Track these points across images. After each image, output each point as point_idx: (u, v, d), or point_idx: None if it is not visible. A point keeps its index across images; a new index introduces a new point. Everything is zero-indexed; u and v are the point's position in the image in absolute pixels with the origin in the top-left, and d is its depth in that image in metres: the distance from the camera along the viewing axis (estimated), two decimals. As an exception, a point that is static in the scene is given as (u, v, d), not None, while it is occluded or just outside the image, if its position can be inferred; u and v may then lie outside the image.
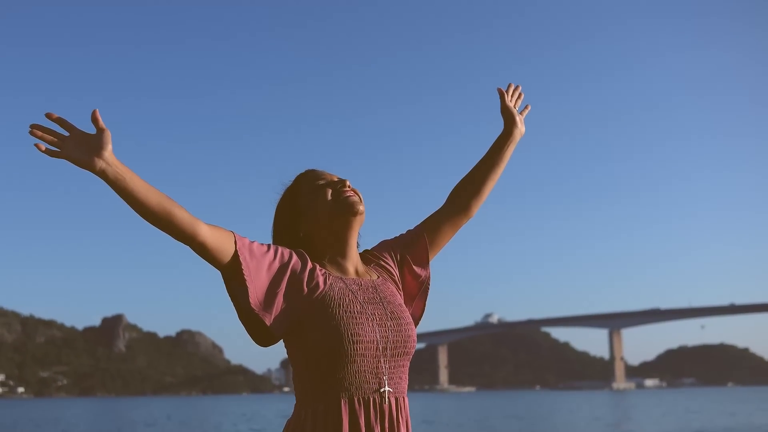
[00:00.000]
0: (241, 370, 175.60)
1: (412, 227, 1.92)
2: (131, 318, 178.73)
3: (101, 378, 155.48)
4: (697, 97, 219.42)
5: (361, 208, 1.73)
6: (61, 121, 1.48)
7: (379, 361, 1.64)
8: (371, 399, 1.63)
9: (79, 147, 1.46)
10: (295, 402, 1.70)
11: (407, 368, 1.72)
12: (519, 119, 1.97)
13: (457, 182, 1.94)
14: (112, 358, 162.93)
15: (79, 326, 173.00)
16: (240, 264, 1.59)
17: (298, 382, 1.68)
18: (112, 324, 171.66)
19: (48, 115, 1.47)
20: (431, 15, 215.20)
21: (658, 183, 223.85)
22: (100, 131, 1.47)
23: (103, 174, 1.46)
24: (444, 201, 1.94)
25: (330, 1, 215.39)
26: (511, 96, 2.00)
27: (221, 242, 1.58)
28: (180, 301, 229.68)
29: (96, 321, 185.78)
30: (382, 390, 1.64)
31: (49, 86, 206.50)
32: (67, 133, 1.48)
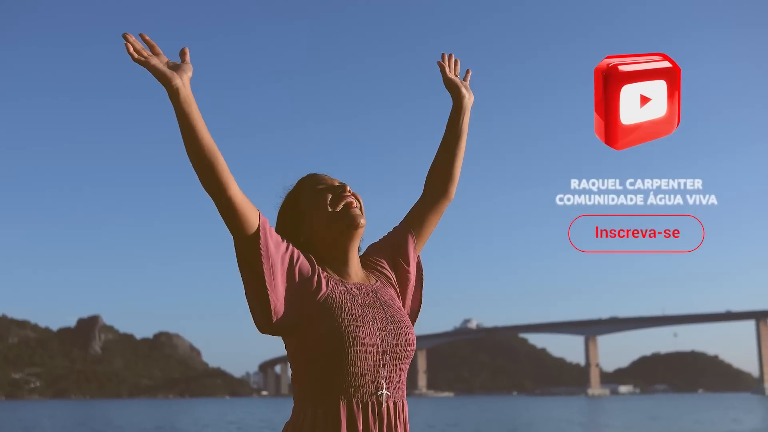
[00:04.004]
0: (219, 374, 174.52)
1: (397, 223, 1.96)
2: (107, 319, 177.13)
3: (76, 380, 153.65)
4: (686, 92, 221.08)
5: (362, 221, 1.75)
6: (151, 45, 1.56)
7: (379, 364, 1.65)
8: (370, 402, 1.64)
9: (163, 63, 1.55)
10: (293, 404, 1.71)
11: (406, 372, 1.74)
12: (464, 87, 1.96)
13: (429, 168, 1.96)
14: (88, 359, 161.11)
15: (54, 327, 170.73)
16: (259, 239, 1.61)
17: (298, 383, 1.69)
18: (88, 325, 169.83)
19: (142, 36, 1.55)
20: (427, 15, 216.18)
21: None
22: (185, 63, 1.58)
23: (176, 92, 1.52)
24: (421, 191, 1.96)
25: (323, 0, 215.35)
26: (450, 66, 1.98)
27: (247, 209, 1.61)
28: (157, 302, 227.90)
29: (71, 322, 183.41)
30: (380, 393, 1.65)
31: (44, 86, 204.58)
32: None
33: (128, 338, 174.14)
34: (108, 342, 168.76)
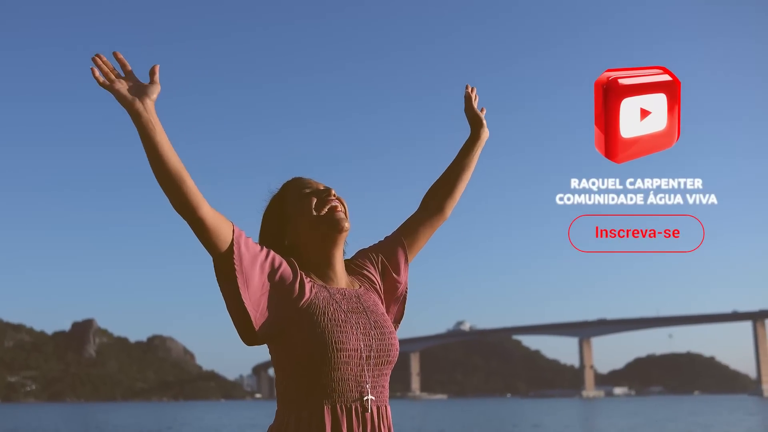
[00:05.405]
0: (213, 377, 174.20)
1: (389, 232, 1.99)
2: (102, 323, 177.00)
3: (71, 383, 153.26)
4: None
5: (347, 225, 1.76)
6: (123, 63, 1.60)
7: (363, 369, 1.66)
8: (353, 407, 1.65)
9: (127, 87, 1.57)
10: (276, 408, 1.71)
11: (389, 377, 1.74)
12: (484, 122, 2.06)
13: (430, 186, 2.01)
14: (82, 363, 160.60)
15: (49, 330, 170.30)
16: (233, 254, 1.61)
17: (282, 388, 1.69)
18: (83, 328, 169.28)
19: (115, 54, 1.59)
20: (429, 16, 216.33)
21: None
22: (153, 83, 1.59)
23: (137, 116, 1.54)
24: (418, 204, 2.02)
25: (318, 1, 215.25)
26: (474, 97, 2.07)
27: (220, 226, 1.60)
28: (151, 306, 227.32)
29: (66, 325, 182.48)
30: (365, 398, 1.66)
31: (44, 86, 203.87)
32: (123, 75, 1.60)
33: (122, 341, 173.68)
34: (102, 345, 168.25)
